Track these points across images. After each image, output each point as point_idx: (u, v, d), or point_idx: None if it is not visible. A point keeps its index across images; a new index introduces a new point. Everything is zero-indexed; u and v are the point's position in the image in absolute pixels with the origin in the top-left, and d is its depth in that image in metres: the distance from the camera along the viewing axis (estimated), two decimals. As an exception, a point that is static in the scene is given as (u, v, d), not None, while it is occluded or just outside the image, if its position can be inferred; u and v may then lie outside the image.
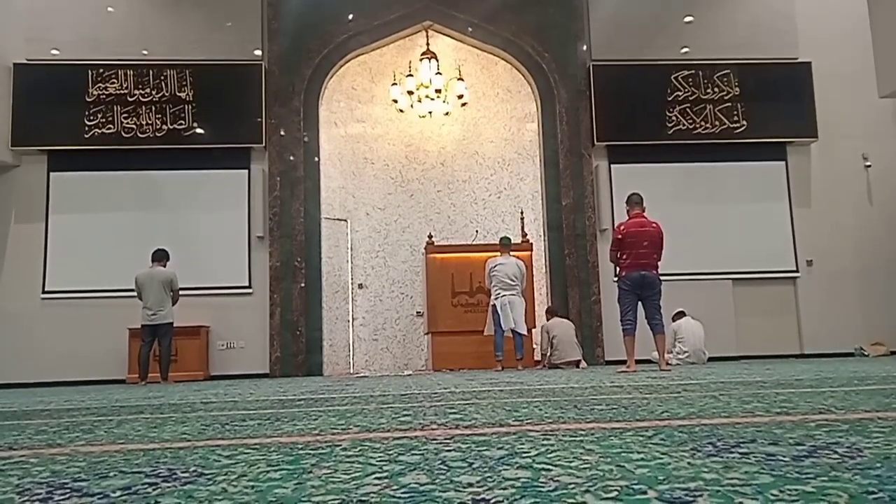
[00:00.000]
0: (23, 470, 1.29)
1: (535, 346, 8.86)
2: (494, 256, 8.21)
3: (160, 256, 7.76)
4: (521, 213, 9.70)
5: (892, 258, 9.72)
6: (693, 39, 9.99)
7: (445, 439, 1.51)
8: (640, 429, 1.59)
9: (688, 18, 10.02)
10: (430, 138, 10.62)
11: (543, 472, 1.05)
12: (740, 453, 1.17)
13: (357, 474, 1.10)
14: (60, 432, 2.06)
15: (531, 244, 9.25)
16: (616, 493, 0.89)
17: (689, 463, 1.09)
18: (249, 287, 9.20)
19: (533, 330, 8.79)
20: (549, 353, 8.23)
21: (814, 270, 9.72)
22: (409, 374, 7.85)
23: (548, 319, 8.52)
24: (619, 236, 6.24)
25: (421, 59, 9.91)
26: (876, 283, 9.70)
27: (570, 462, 1.14)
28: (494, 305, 7.98)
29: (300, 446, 1.48)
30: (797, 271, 9.74)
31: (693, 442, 1.34)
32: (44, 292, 8.98)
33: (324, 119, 9.88)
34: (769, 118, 9.79)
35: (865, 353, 9.18)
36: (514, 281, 8.00)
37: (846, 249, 9.79)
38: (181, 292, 7.80)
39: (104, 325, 8.73)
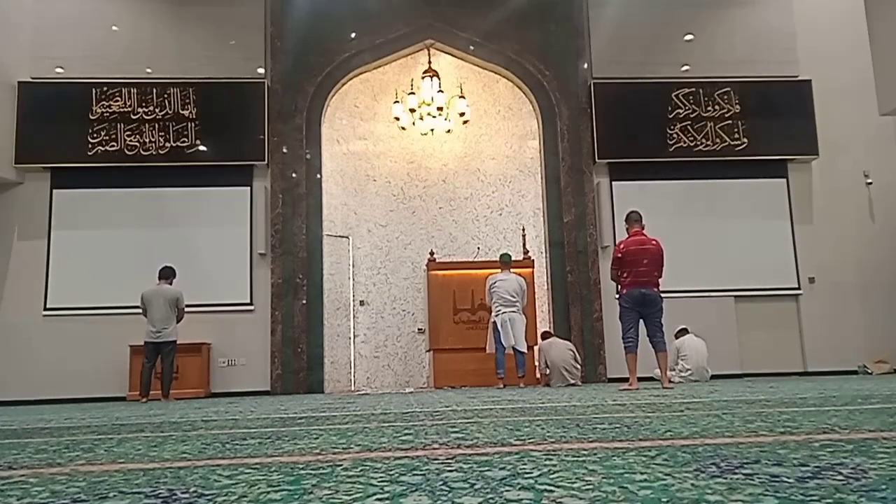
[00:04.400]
0: (22, 490, 1.28)
1: (536, 363, 8.83)
2: (495, 273, 8.21)
3: (167, 274, 7.74)
4: (523, 229, 9.71)
5: (895, 275, 9.70)
6: (693, 57, 10.05)
7: (447, 459, 1.50)
8: (643, 448, 1.58)
9: (688, 37, 10.09)
10: (432, 155, 10.65)
11: (546, 494, 1.05)
12: (744, 474, 1.17)
13: (358, 495, 1.09)
14: (60, 451, 2.05)
15: (533, 261, 9.26)
16: (619, 515, 0.89)
17: (692, 484, 1.09)
18: (251, 304, 9.19)
19: (535, 348, 8.77)
20: (546, 374, 8.22)
21: (816, 287, 9.70)
22: (411, 392, 7.82)
23: (543, 339, 8.50)
24: (619, 254, 6.24)
25: (423, 77, 9.97)
26: (879, 300, 9.68)
27: (573, 483, 1.13)
28: (495, 322, 7.97)
29: (301, 466, 1.48)
30: (799, 288, 9.72)
31: (696, 462, 1.33)
32: (46, 309, 8.97)
33: (326, 136, 9.92)
34: (770, 135, 9.82)
35: (869, 371, 9.14)
36: (514, 297, 7.98)
37: (848, 266, 9.78)
38: (185, 310, 7.79)
39: (106, 342, 8.72)
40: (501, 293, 7.98)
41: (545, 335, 8.65)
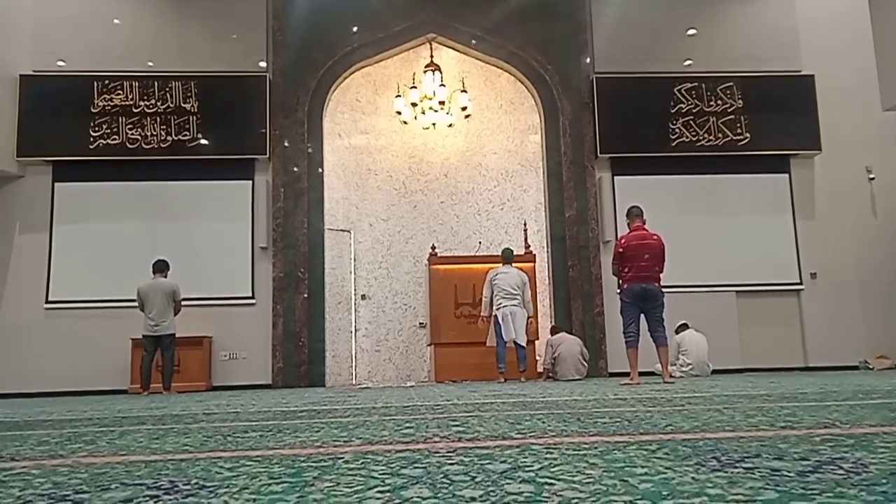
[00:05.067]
0: (24, 482, 1.29)
1: (538, 357, 8.84)
2: (497, 267, 8.21)
3: (161, 267, 7.81)
4: (525, 224, 9.71)
5: (897, 271, 9.70)
6: (696, 52, 10.02)
7: (448, 452, 1.50)
8: (644, 442, 1.58)
9: (691, 31, 10.05)
10: (434, 150, 10.64)
11: (546, 487, 1.05)
12: (745, 468, 1.17)
13: (359, 488, 1.09)
14: (62, 443, 2.05)
15: (534, 255, 9.25)
16: (620, 508, 0.89)
17: (693, 478, 1.09)
18: (252, 297, 9.20)
19: (536, 342, 8.77)
20: (551, 368, 8.23)
21: (818, 283, 9.69)
22: (412, 386, 7.83)
23: (552, 334, 8.52)
24: (620, 249, 6.24)
25: (425, 71, 9.94)
26: (880, 295, 9.66)
27: (574, 476, 1.13)
28: (496, 316, 7.97)
29: (302, 459, 1.48)
30: (801, 284, 9.71)
31: (697, 456, 1.33)
32: (47, 302, 8.98)
33: (328, 130, 9.91)
34: (772, 131, 9.79)
35: (870, 367, 9.14)
36: (516, 290, 7.98)
37: (850, 262, 9.76)
38: (182, 303, 7.83)
39: (107, 336, 8.73)
40: (503, 286, 7.98)
41: (554, 330, 8.64)
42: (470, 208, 10.54)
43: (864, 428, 1.81)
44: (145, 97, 9.34)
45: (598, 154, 9.68)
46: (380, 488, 1.08)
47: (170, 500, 1.05)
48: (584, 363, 8.26)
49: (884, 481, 1.02)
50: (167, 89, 9.37)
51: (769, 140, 9.79)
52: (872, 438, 1.56)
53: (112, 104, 9.29)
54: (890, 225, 9.88)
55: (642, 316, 6.18)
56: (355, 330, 10.12)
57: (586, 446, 1.54)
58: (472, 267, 9.06)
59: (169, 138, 9.29)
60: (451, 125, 10.22)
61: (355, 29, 9.75)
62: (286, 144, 9.42)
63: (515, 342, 7.88)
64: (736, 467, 1.18)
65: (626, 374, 6.29)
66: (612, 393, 4.25)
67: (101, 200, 9.29)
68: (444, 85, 9.79)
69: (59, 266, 9.07)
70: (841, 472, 1.11)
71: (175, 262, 8.07)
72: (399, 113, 9.95)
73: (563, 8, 9.99)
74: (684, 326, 8.34)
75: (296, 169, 9.41)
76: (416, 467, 1.29)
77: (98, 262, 9.03)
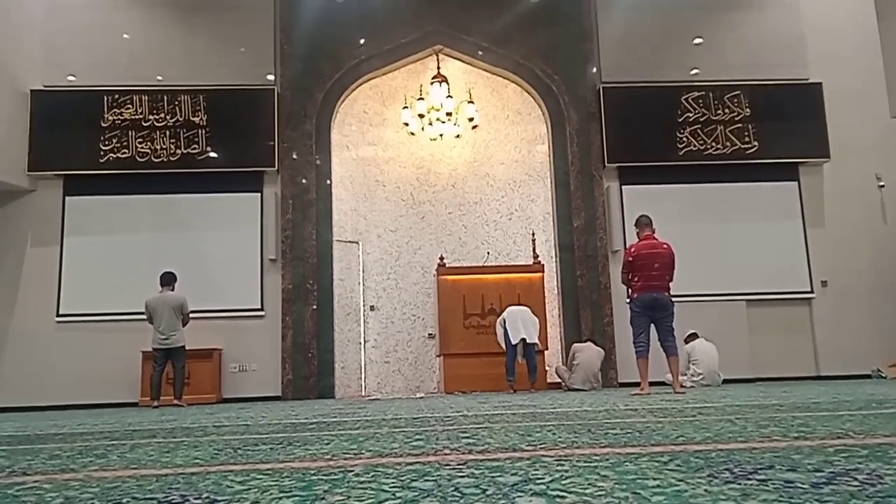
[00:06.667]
0: (37, 496, 1.29)
1: (547, 367, 8.81)
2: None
3: (168, 280, 7.82)
4: (533, 234, 9.70)
5: (909, 278, 9.63)
6: (703, 61, 10.02)
7: (458, 465, 1.50)
8: (656, 454, 1.57)
9: (697, 40, 10.06)
10: (441, 161, 10.66)
11: (558, 500, 1.04)
12: (758, 480, 1.16)
13: (370, 501, 1.09)
14: (74, 457, 2.06)
15: (542, 265, 9.24)
16: (632, 521, 0.88)
17: (706, 490, 1.08)
18: (262, 309, 9.21)
19: (546, 352, 8.76)
20: (565, 369, 8.24)
21: (829, 291, 9.63)
22: (421, 397, 7.82)
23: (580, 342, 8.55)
24: (630, 258, 6.23)
25: (432, 83, 9.98)
26: (892, 302, 9.58)
27: (585, 489, 1.13)
28: (504, 320, 8.02)
29: (312, 472, 1.48)
30: (812, 292, 9.65)
31: (710, 468, 1.32)
32: (58, 315, 9.02)
33: (335, 142, 9.95)
34: (781, 139, 9.76)
35: (883, 375, 9.05)
36: (524, 308, 8.11)
37: (861, 269, 9.69)
38: (191, 315, 7.86)
39: (118, 348, 8.76)
40: (512, 311, 8.14)
41: (587, 340, 8.61)
42: (478, 219, 10.55)
43: (878, 438, 1.80)
44: (155, 111, 9.41)
45: (606, 163, 9.67)
46: (390, 501, 1.08)
47: (181, 514, 1.05)
48: (598, 380, 8.21)
49: (899, 493, 1.01)
50: (176, 103, 9.44)
51: (777, 148, 9.76)
52: (887, 449, 1.55)
53: (122, 118, 9.36)
54: (901, 232, 9.81)
55: (652, 325, 6.16)
56: (364, 341, 10.12)
57: (597, 458, 1.53)
58: (480, 277, 9.07)
59: (178, 151, 9.35)
60: (458, 136, 10.24)
61: (362, 41, 9.81)
62: (294, 156, 9.46)
63: (526, 344, 7.87)
64: (749, 479, 1.17)
65: (637, 385, 6.25)
66: (623, 403, 4.23)
67: (112, 214, 9.35)
68: (451, 96, 9.82)
69: (69, 279, 9.12)
70: (855, 483, 1.10)
71: (184, 274, 8.10)
72: (406, 124, 9.99)
73: (569, 17, 10.02)
74: (694, 336, 8.29)
75: (304, 181, 9.45)
76: (426, 480, 1.29)
77: (108, 275, 9.08)
